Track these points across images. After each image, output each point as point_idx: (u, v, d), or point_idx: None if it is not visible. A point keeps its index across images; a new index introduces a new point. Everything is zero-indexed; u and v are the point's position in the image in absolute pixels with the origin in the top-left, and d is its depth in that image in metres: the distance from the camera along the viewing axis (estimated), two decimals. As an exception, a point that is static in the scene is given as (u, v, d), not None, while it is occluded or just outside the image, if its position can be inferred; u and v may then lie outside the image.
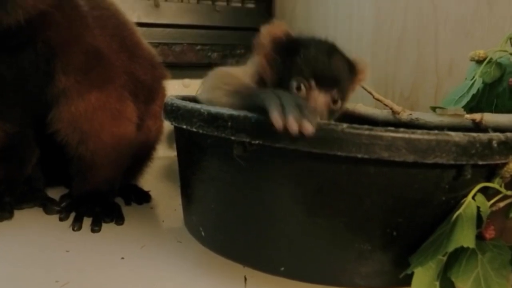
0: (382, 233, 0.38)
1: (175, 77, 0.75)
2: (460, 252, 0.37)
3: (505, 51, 0.53)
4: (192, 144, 0.47)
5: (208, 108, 0.41)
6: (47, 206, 0.60)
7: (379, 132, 0.35)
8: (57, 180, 0.68)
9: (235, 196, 0.43)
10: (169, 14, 1.02)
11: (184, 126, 0.44)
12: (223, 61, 1.04)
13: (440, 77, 0.72)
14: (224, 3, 1.10)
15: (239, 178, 0.42)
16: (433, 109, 0.56)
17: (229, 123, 0.39)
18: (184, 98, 0.49)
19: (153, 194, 0.68)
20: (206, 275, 0.44)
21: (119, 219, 0.57)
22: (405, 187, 0.37)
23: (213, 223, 0.46)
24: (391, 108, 0.58)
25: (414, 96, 0.77)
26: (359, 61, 0.50)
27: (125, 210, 0.60)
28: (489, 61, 0.53)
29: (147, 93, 0.65)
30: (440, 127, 0.52)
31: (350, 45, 0.90)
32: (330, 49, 0.47)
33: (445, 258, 0.38)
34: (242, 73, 0.49)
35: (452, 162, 0.36)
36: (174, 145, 0.54)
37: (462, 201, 0.38)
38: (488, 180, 0.39)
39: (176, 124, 0.46)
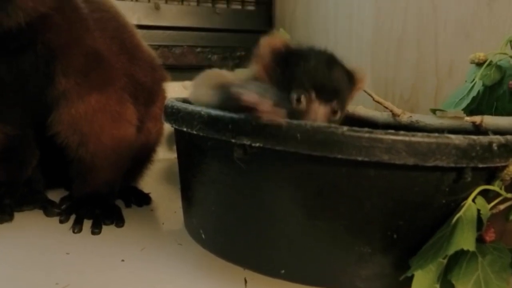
0: (382, 235, 0.38)
1: (175, 79, 0.75)
2: (461, 254, 0.37)
3: (505, 53, 0.53)
4: (192, 147, 0.47)
5: (208, 110, 0.41)
6: (47, 208, 0.60)
7: (380, 135, 0.35)
8: (57, 182, 0.68)
9: (235, 199, 0.43)
10: (169, 16, 1.02)
11: (185, 129, 0.44)
12: (223, 63, 1.04)
13: (440, 79, 0.72)
14: (224, 6, 1.10)
15: (239, 180, 0.42)
16: (433, 111, 0.57)
17: (230, 126, 0.39)
18: (185, 100, 0.49)
19: (153, 196, 0.68)
20: (206, 278, 0.44)
21: (119, 221, 0.57)
22: (405, 190, 0.37)
23: (213, 225, 0.46)
24: (391, 111, 0.58)
25: (414, 98, 0.77)
26: (358, 70, 0.50)
27: (125, 212, 0.60)
28: (489, 64, 0.53)
29: (147, 95, 0.65)
30: (440, 130, 0.52)
31: (350, 45, 0.90)
32: (330, 60, 0.47)
33: (445, 261, 0.38)
34: (236, 77, 0.49)
35: (452, 165, 0.36)
36: (174, 147, 0.54)
37: (462, 203, 0.38)
38: (488, 183, 0.39)
39: (176, 127, 0.46)
